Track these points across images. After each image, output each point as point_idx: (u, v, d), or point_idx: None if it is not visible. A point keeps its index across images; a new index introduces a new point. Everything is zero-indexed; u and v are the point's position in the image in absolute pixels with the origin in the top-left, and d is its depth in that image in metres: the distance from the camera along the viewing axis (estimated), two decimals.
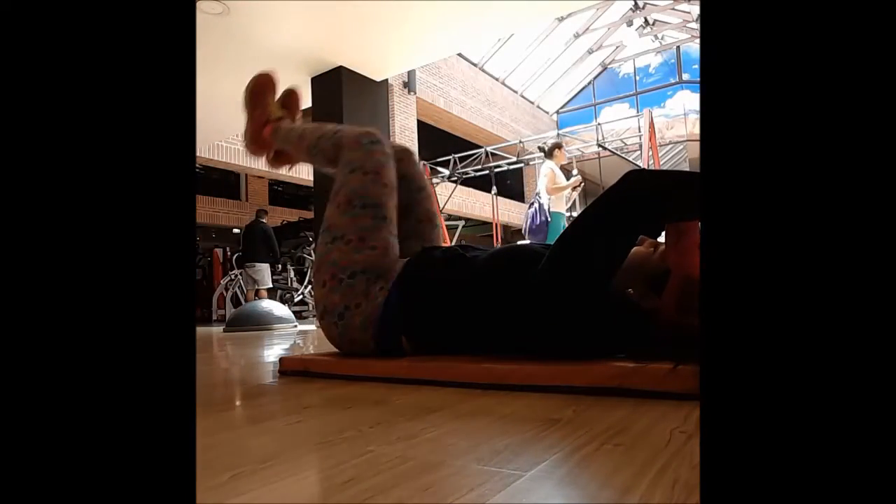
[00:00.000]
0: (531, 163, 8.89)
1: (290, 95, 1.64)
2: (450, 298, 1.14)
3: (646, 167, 6.91)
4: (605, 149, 8.75)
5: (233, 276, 7.57)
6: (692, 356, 0.74)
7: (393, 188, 1.30)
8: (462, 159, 9.16)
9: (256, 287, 6.73)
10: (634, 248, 1.08)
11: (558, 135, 8.71)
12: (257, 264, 6.72)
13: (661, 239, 1.03)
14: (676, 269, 0.95)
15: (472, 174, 9.30)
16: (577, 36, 14.45)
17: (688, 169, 12.59)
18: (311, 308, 7.63)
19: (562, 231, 1.05)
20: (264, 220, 6.94)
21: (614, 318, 0.97)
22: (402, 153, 1.50)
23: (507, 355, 1.09)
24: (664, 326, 0.96)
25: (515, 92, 14.60)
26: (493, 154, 9.04)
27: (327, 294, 1.23)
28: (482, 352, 1.13)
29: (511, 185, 14.41)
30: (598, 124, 9.05)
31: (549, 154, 4.97)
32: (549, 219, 4.75)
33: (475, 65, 12.73)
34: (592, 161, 12.91)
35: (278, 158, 1.61)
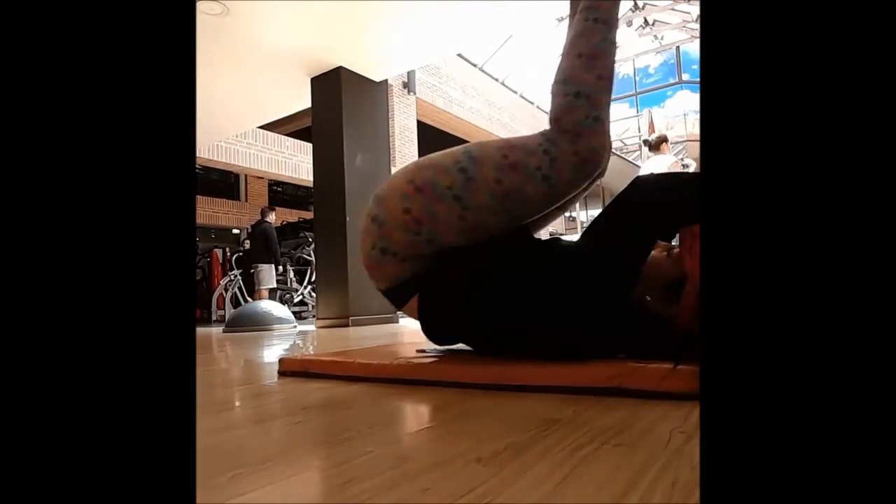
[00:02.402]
0: None
1: None
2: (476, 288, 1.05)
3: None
4: None
5: (232, 277, 7.55)
6: (696, 358, 0.74)
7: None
8: None
9: (258, 287, 6.73)
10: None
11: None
12: (260, 265, 6.73)
13: (674, 241, 1.03)
14: (693, 275, 0.94)
15: None
16: None
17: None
18: (310, 308, 7.62)
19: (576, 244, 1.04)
20: (268, 220, 6.89)
21: (633, 325, 0.96)
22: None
23: (508, 353, 1.09)
24: (680, 333, 0.95)
25: (515, 92, 14.59)
26: None
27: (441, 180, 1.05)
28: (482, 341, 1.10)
29: None
30: None
31: (656, 147, 4.97)
32: None
33: (475, 65, 12.73)
34: None
35: None
